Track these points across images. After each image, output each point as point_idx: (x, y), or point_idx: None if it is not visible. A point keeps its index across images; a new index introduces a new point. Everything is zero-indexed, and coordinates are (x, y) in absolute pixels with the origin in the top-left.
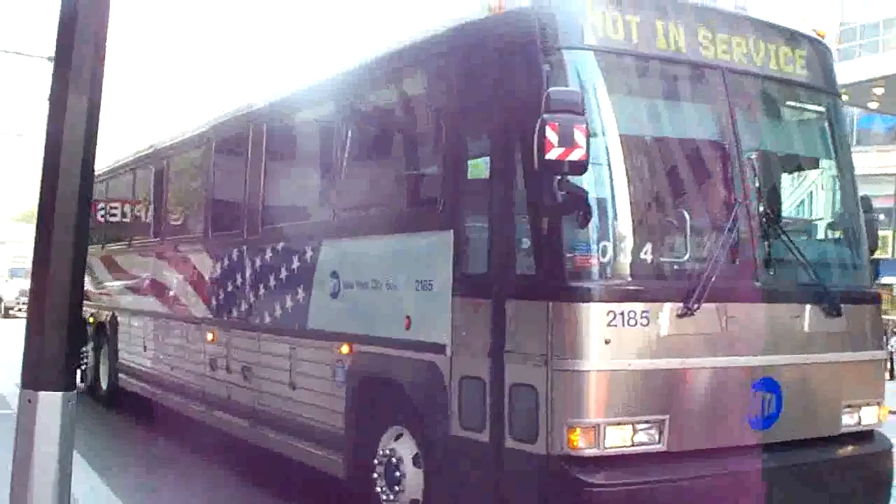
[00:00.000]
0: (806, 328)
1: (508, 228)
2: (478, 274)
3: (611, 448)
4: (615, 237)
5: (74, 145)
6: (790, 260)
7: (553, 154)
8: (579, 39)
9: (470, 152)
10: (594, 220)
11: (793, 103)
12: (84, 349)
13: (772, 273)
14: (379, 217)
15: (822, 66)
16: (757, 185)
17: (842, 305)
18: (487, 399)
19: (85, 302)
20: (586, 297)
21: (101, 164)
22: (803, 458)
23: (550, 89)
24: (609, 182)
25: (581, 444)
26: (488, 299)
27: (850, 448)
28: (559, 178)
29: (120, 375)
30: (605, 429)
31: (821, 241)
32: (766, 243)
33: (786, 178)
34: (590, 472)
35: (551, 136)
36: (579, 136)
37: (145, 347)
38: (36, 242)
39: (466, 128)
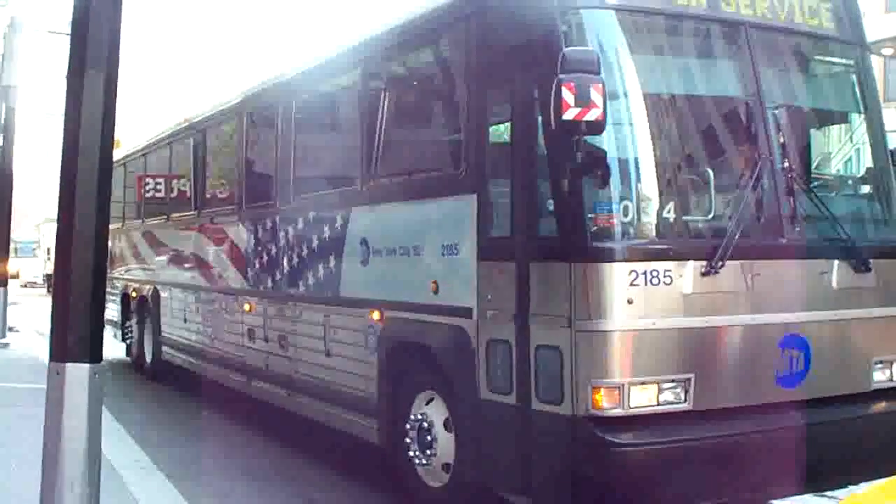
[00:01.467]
0: (834, 284)
1: (530, 191)
2: (501, 237)
3: (636, 408)
4: (636, 196)
5: (93, 121)
6: (817, 215)
7: (569, 114)
8: None
9: (491, 116)
10: (615, 179)
11: (819, 57)
12: (128, 323)
13: (798, 229)
14: (404, 183)
15: (849, 19)
16: (782, 140)
17: (871, 260)
18: (513, 362)
19: (127, 276)
20: (608, 257)
21: (139, 140)
22: (833, 415)
23: (566, 49)
24: (630, 141)
25: (606, 404)
26: (512, 262)
27: (882, 404)
28: (577, 138)
29: (163, 348)
30: (629, 388)
31: (849, 195)
32: (791, 199)
33: (812, 134)
34: (615, 432)
35: (567, 96)
36: (595, 96)
37: (186, 320)
38: (59, 216)
39: (488, 92)
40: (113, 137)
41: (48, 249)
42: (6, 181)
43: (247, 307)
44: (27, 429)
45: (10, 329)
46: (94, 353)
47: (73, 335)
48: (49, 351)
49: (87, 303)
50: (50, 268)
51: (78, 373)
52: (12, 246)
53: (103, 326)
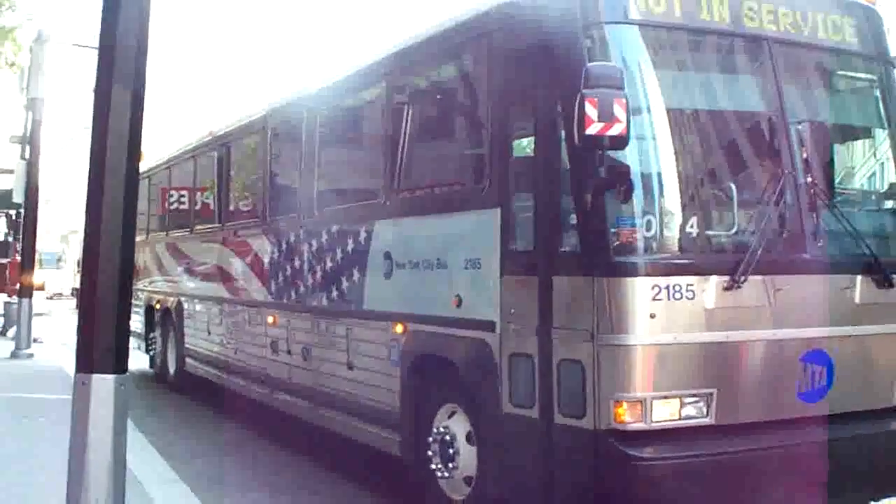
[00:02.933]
0: (857, 300)
1: (553, 205)
2: (525, 251)
3: (658, 422)
4: (659, 211)
5: (120, 134)
6: (840, 231)
7: (593, 129)
8: (622, 13)
9: (515, 130)
10: (638, 194)
11: (842, 72)
12: (152, 335)
13: (820, 244)
14: (428, 197)
15: (874, 34)
16: (805, 155)
17: (894, 276)
18: (536, 375)
19: (151, 288)
20: (630, 271)
21: (163, 153)
22: (855, 431)
23: (589, 64)
24: (653, 156)
25: (628, 418)
26: (535, 276)
27: None
28: (600, 153)
29: (187, 360)
30: (651, 403)
31: (872, 211)
32: (814, 214)
33: (836, 149)
34: (637, 447)
35: (591, 111)
36: (619, 111)
37: (209, 332)
38: (86, 228)
39: (511, 106)
40: (140, 151)
41: (78, 262)
42: (32, 194)
43: (270, 319)
44: (52, 439)
45: (35, 340)
46: (119, 364)
47: (99, 346)
48: (75, 362)
49: (113, 314)
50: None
51: (103, 384)
52: (37, 257)
53: (129, 338)
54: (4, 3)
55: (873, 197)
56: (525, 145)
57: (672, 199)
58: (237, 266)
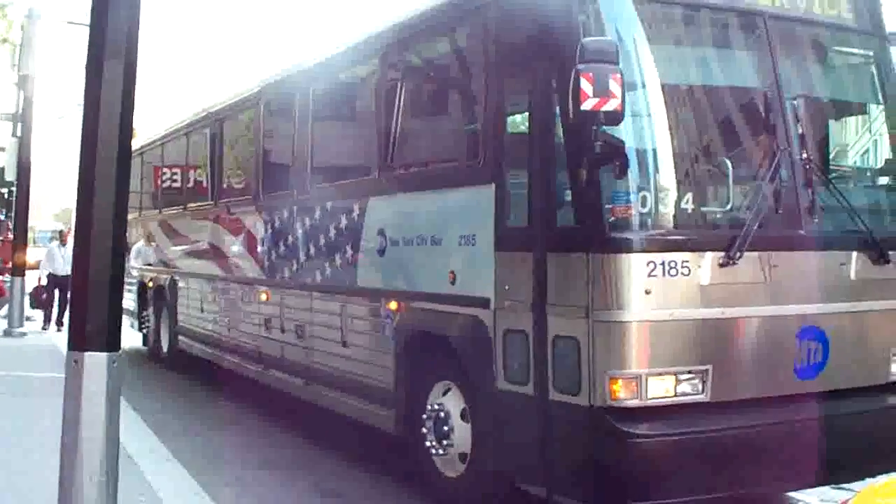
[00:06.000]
0: (852, 276)
1: (548, 181)
2: (519, 227)
3: (653, 399)
4: (655, 187)
5: (112, 110)
6: (835, 207)
7: (588, 104)
8: None
9: (510, 106)
10: (633, 170)
11: (838, 48)
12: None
13: (816, 220)
14: (422, 173)
15: (869, 9)
16: (800, 131)
17: (890, 252)
18: (531, 352)
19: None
20: (626, 247)
21: (156, 130)
22: (850, 407)
23: (584, 39)
24: (648, 132)
25: (623, 395)
26: (530, 252)
27: None
28: (595, 128)
29: (180, 338)
30: (646, 379)
31: (867, 187)
32: (809, 190)
33: (831, 124)
34: (632, 423)
35: (586, 86)
36: (614, 86)
37: (203, 309)
38: (77, 205)
39: (506, 82)
40: (132, 128)
41: None
42: (24, 171)
43: (263, 297)
44: (45, 418)
45: (28, 319)
46: (112, 342)
47: (92, 324)
48: (68, 340)
49: (106, 292)
50: None
51: (96, 361)
52: (30, 235)
53: (121, 315)
54: None
55: (869, 173)
56: (520, 121)
57: (667, 175)
58: (230, 243)
